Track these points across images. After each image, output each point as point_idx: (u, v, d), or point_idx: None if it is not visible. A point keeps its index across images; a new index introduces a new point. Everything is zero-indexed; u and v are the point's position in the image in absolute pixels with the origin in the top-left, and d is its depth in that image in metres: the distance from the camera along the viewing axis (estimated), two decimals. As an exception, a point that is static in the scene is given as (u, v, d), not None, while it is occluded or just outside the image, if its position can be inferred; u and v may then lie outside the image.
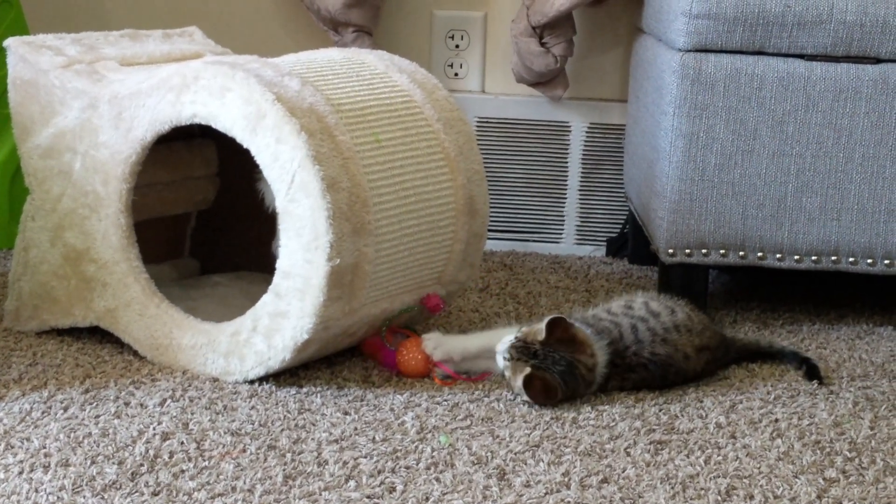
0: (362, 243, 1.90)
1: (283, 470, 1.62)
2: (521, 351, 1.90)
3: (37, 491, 1.54)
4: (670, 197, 2.25)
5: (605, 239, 2.85)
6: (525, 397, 1.88)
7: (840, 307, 2.46)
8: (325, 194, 1.85)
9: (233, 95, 1.91)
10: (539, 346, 1.90)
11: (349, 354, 2.08)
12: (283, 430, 1.76)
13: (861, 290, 2.57)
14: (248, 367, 1.93)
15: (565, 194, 2.85)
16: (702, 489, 1.62)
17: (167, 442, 1.70)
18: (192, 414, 1.80)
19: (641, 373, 1.94)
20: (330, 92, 1.97)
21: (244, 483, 1.58)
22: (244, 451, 1.69)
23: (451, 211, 2.06)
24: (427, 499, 1.56)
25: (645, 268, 2.73)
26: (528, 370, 1.87)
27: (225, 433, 1.74)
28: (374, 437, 1.74)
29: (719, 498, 1.59)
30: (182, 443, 1.70)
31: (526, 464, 1.67)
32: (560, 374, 1.88)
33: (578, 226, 2.86)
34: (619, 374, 1.94)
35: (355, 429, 1.77)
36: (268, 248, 2.11)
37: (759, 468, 1.69)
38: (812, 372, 2.04)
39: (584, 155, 2.83)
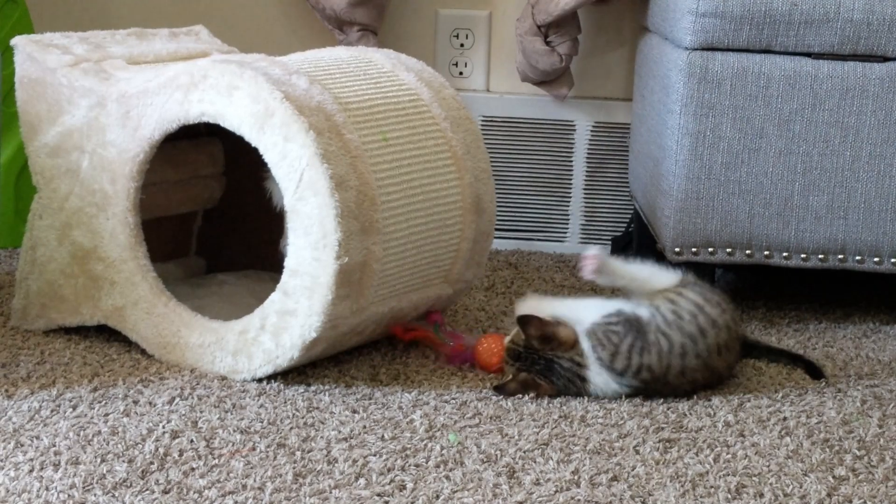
0: (370, 242, 1.90)
1: (293, 468, 1.62)
2: (510, 353, 1.93)
3: (47, 489, 1.54)
4: (676, 195, 2.25)
5: (610, 238, 2.85)
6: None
7: (847, 306, 2.46)
8: (333, 193, 1.85)
9: (241, 94, 1.91)
10: (522, 347, 1.91)
11: (357, 353, 2.08)
12: (292, 428, 1.76)
13: (868, 288, 2.57)
14: (257, 366, 1.93)
15: (570, 193, 2.85)
16: (711, 487, 1.62)
17: (176, 440, 1.70)
18: (201, 412, 1.80)
19: (669, 391, 1.93)
20: (337, 90, 1.97)
21: (254, 481, 1.58)
22: (253, 449, 1.69)
23: (459, 209, 2.06)
24: (437, 497, 1.56)
25: (650, 266, 2.73)
26: (510, 375, 1.92)
27: (234, 431, 1.74)
28: (383, 436, 1.74)
29: (729, 496, 1.59)
30: (191, 441, 1.70)
31: (535, 462, 1.68)
32: (539, 372, 1.89)
33: (583, 224, 2.86)
34: (649, 390, 1.91)
35: (364, 427, 1.77)
36: (274, 246, 2.11)
37: (768, 466, 1.69)
38: (813, 371, 2.04)
39: (589, 154, 2.84)
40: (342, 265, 1.86)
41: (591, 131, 2.83)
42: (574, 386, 1.90)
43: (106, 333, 2.11)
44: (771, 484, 1.63)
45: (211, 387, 1.91)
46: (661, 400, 1.91)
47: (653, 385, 1.90)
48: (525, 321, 1.90)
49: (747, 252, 2.27)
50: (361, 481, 1.60)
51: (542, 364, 1.90)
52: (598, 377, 1.90)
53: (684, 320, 1.91)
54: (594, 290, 2.50)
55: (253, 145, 1.92)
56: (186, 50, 2.24)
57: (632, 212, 2.82)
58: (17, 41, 2.12)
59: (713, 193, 2.24)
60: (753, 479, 1.65)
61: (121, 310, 2.05)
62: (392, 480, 1.60)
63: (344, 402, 1.87)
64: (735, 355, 1.99)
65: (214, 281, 2.30)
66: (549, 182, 2.85)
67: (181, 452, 1.66)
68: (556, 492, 1.59)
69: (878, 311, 2.42)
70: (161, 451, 1.66)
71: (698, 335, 1.91)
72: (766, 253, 2.27)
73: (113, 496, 1.53)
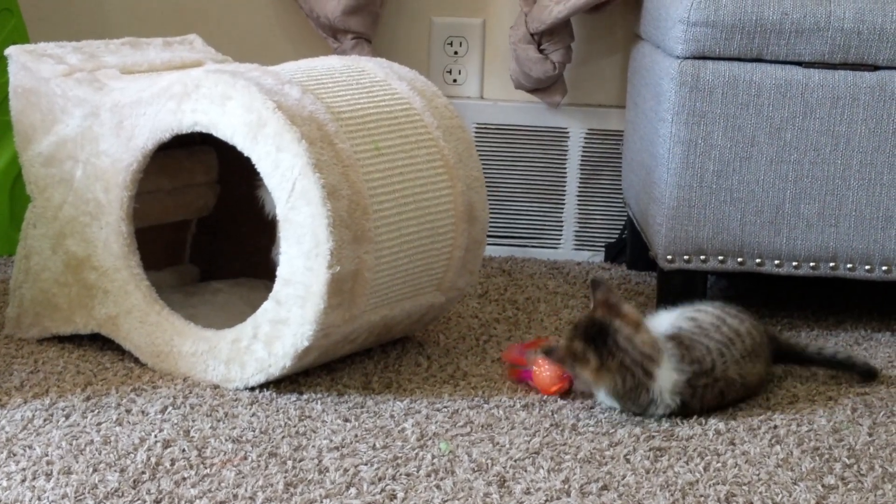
0: (362, 251, 1.91)
1: (285, 477, 1.63)
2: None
3: (39, 499, 1.54)
4: (669, 203, 2.26)
5: (603, 245, 2.86)
6: None
7: (838, 313, 2.46)
8: (325, 202, 1.86)
9: (234, 104, 1.91)
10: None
11: (349, 361, 2.08)
12: (283, 437, 1.77)
13: (859, 296, 2.58)
14: (249, 374, 1.94)
15: (564, 200, 2.86)
16: (701, 496, 1.62)
17: (168, 449, 1.70)
18: (194, 421, 1.81)
19: (717, 395, 1.93)
20: (330, 100, 1.98)
21: (245, 490, 1.59)
22: (245, 458, 1.69)
23: (451, 218, 2.07)
24: (428, 506, 1.57)
25: (643, 273, 2.74)
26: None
27: (226, 440, 1.74)
28: (374, 444, 1.75)
29: (718, 504, 1.60)
30: (183, 450, 1.70)
31: (526, 471, 1.68)
32: (593, 339, 1.88)
33: (577, 231, 2.87)
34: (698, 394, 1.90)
35: (356, 436, 1.78)
36: (267, 255, 2.12)
37: (758, 475, 1.69)
38: (865, 373, 2.07)
39: (582, 161, 2.84)
40: (334, 274, 1.87)
41: (585, 138, 2.83)
42: (632, 377, 1.85)
43: (99, 342, 2.12)
44: (761, 493, 1.64)
45: (203, 395, 1.91)
46: (653, 408, 1.91)
47: (703, 380, 1.88)
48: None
49: (739, 260, 2.27)
50: (352, 490, 1.60)
51: (597, 333, 1.85)
52: (665, 372, 1.87)
53: (709, 331, 1.93)
54: (586, 298, 2.51)
55: (246, 155, 1.92)
56: (180, 59, 2.25)
57: (625, 219, 2.82)
58: (11, 51, 2.13)
59: (705, 201, 2.25)
60: (743, 487, 1.65)
61: (114, 318, 2.05)
62: (383, 490, 1.61)
63: (336, 410, 1.88)
64: (764, 364, 1.99)
65: (208, 289, 2.31)
66: (542, 189, 2.86)
67: (173, 462, 1.67)
68: (546, 501, 1.59)
69: (869, 319, 2.43)
70: (153, 460, 1.67)
71: (728, 342, 1.92)
72: (758, 261, 2.27)
73: (105, 506, 1.54)
